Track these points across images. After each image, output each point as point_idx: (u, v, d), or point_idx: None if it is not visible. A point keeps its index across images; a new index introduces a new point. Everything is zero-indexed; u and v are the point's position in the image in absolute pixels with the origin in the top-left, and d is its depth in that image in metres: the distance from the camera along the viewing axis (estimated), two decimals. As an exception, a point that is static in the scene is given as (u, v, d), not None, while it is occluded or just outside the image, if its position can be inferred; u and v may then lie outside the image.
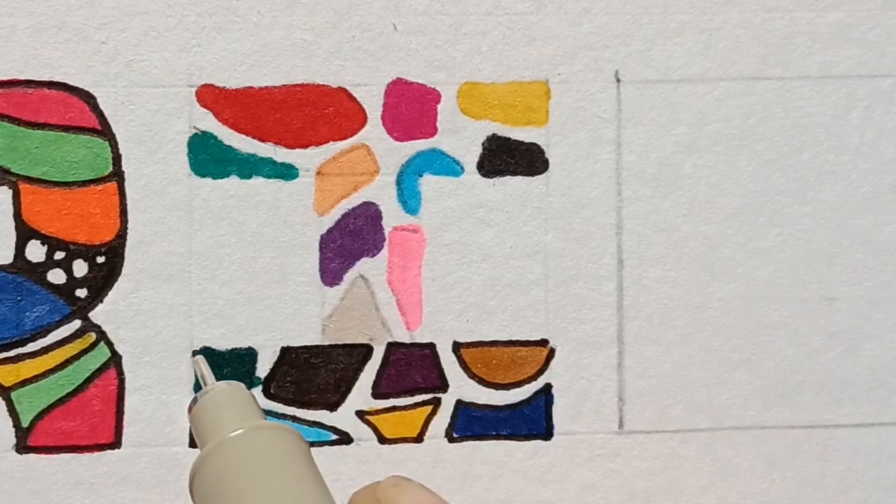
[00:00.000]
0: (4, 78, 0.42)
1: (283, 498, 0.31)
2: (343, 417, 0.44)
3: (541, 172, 0.44)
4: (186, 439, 0.43)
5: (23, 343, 0.42)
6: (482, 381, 0.44)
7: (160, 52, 0.43)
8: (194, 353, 0.43)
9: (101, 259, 0.43)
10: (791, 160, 0.45)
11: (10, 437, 0.43)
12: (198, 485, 0.32)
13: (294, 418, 0.43)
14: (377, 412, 0.44)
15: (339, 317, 0.43)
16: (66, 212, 0.42)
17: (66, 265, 0.42)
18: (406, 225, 0.44)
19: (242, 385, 0.35)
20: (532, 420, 0.44)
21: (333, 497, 0.32)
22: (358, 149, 0.44)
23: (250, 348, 0.43)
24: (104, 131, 0.43)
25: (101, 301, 0.43)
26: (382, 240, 0.44)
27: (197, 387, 0.41)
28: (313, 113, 0.43)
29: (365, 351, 0.44)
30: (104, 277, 0.43)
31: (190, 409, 0.35)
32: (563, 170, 0.44)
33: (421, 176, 0.44)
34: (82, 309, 0.43)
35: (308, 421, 0.43)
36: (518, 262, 0.44)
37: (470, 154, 0.44)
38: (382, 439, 0.44)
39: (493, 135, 0.44)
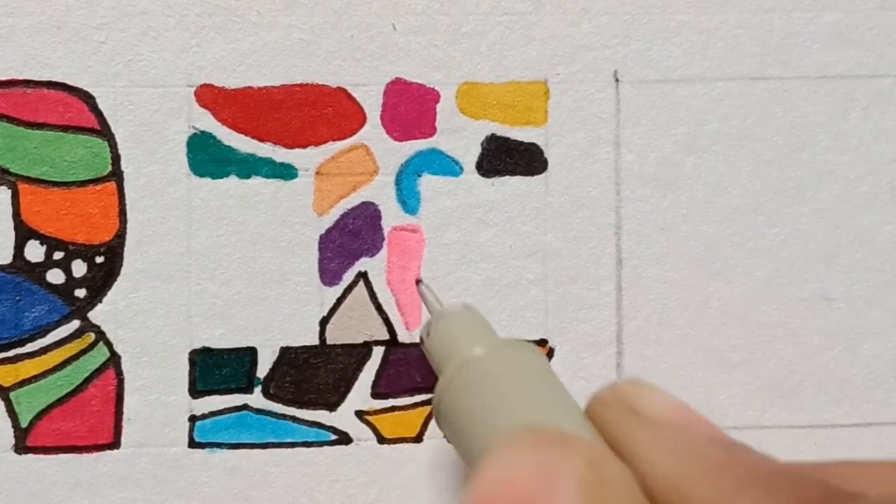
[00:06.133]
0: (3, 78, 0.42)
1: (537, 407, 0.33)
2: (342, 417, 0.44)
3: (540, 172, 0.44)
4: (186, 439, 0.43)
5: (21, 343, 0.42)
6: (481, 381, 0.44)
7: (159, 52, 0.43)
8: (420, 282, 0.43)
9: (100, 259, 0.43)
10: (790, 160, 0.45)
11: (8, 437, 0.42)
12: (445, 405, 0.34)
13: (293, 418, 0.43)
14: (376, 412, 0.44)
15: (339, 317, 0.43)
16: (65, 212, 0.42)
17: (65, 265, 0.42)
18: (405, 225, 0.44)
19: (474, 306, 0.38)
20: (531, 420, 0.44)
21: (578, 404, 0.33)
22: (357, 149, 0.44)
23: (250, 348, 0.43)
24: (103, 131, 0.43)
25: (101, 301, 0.43)
26: (382, 240, 0.44)
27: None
28: (312, 113, 0.43)
29: (364, 351, 0.44)
30: (103, 277, 0.43)
31: (424, 334, 0.38)
32: (562, 170, 0.44)
33: (420, 176, 0.44)
34: (81, 309, 0.43)
35: (307, 421, 0.43)
36: (517, 262, 0.44)
37: (469, 154, 0.44)
38: (382, 439, 0.44)
39: (492, 135, 0.44)
